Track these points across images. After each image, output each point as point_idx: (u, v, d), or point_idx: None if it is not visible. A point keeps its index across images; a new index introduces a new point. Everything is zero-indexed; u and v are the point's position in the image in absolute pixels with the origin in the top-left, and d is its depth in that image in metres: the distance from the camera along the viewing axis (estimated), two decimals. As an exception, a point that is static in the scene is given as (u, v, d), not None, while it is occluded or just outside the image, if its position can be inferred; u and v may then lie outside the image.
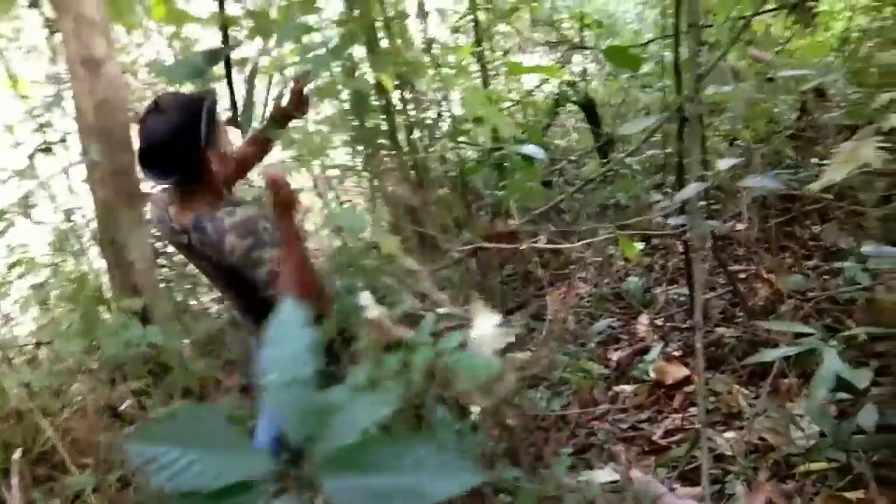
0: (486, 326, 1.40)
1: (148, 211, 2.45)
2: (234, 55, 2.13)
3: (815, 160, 2.95)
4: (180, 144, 1.50)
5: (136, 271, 2.74)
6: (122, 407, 2.32)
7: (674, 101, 2.34)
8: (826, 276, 2.73)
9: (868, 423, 1.34)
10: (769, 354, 1.38)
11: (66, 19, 2.71)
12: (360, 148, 3.88)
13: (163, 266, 3.40)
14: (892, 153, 0.87)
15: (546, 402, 2.27)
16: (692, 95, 1.63)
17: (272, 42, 1.96)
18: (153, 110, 1.51)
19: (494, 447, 1.60)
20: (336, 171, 4.58)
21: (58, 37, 3.30)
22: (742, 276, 2.99)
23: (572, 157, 4.41)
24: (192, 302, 3.53)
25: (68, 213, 3.33)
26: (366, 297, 1.23)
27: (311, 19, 2.17)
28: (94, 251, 3.41)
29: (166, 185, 1.62)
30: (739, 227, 3.29)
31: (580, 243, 1.72)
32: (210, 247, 1.53)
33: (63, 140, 3.15)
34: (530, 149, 2.54)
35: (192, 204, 1.56)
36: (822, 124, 2.83)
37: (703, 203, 2.48)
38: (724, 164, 1.64)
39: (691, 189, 1.55)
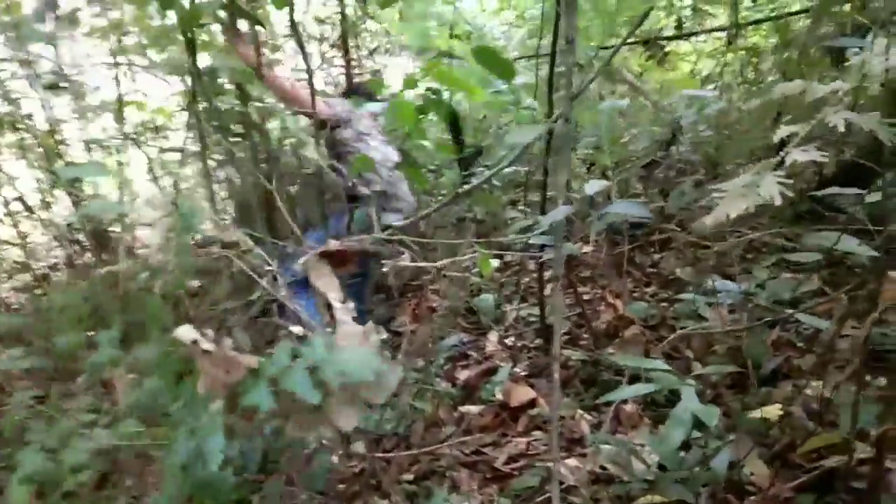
0: (351, 327, 1.22)
1: None
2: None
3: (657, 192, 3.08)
4: None
5: None
6: None
7: (544, 120, 2.29)
8: (664, 304, 2.84)
9: (721, 467, 1.32)
10: (628, 391, 1.32)
11: None
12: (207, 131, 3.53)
13: None
14: (790, 188, 0.83)
15: (393, 422, 2.11)
16: (566, 113, 1.55)
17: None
18: None
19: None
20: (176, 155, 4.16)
21: None
22: (586, 297, 3.04)
23: (432, 167, 4.32)
24: None
25: None
26: (186, 331, 0.99)
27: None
28: None
29: None
30: (586, 249, 3.36)
31: (447, 261, 1.59)
32: None
33: None
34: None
35: None
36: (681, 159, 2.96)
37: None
38: (590, 188, 1.58)
39: (560, 211, 1.47)
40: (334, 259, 1.67)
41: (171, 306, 1.38)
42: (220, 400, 1.05)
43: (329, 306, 1.27)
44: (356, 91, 3.30)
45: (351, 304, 1.25)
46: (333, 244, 1.38)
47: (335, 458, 1.62)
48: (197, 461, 1.09)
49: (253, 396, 0.97)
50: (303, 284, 1.42)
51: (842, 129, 1.04)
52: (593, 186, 1.55)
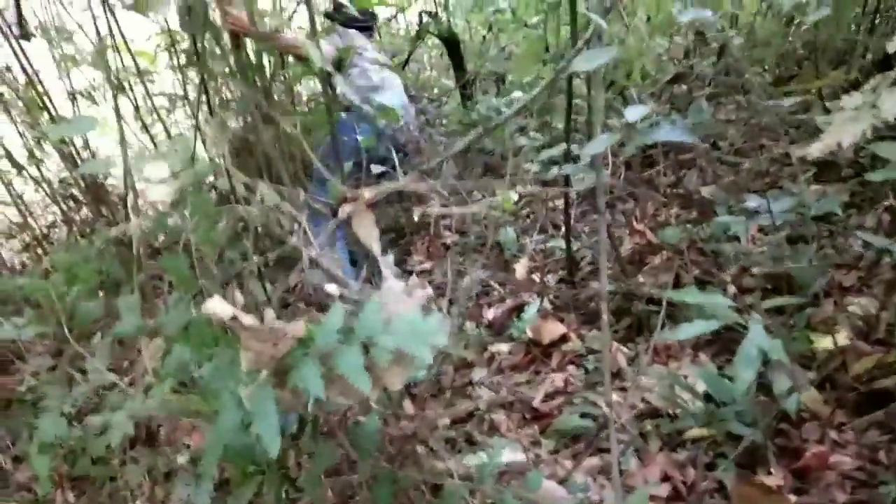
0: (395, 283, 1.13)
1: None
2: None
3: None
4: None
5: None
6: None
7: (565, 43, 2.13)
8: (689, 224, 2.74)
9: (779, 397, 1.26)
10: (692, 329, 1.25)
11: None
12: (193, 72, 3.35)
13: None
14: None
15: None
16: (600, 30, 1.41)
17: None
18: None
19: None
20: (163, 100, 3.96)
21: None
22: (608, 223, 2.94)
23: (432, 97, 4.14)
24: None
25: None
26: (220, 306, 0.89)
27: None
28: None
29: None
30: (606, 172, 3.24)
31: (476, 206, 1.49)
32: None
33: None
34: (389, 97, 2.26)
35: None
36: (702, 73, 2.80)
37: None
38: (631, 114, 1.46)
39: (602, 141, 1.36)
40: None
41: (194, 266, 1.28)
42: (265, 372, 0.97)
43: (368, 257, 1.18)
44: (338, 10, 3.17)
45: (391, 256, 1.15)
46: (367, 192, 1.27)
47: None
48: (243, 430, 1.03)
49: (302, 376, 0.88)
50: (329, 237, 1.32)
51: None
52: (633, 112, 1.42)
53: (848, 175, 2.67)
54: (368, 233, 1.25)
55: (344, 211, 1.21)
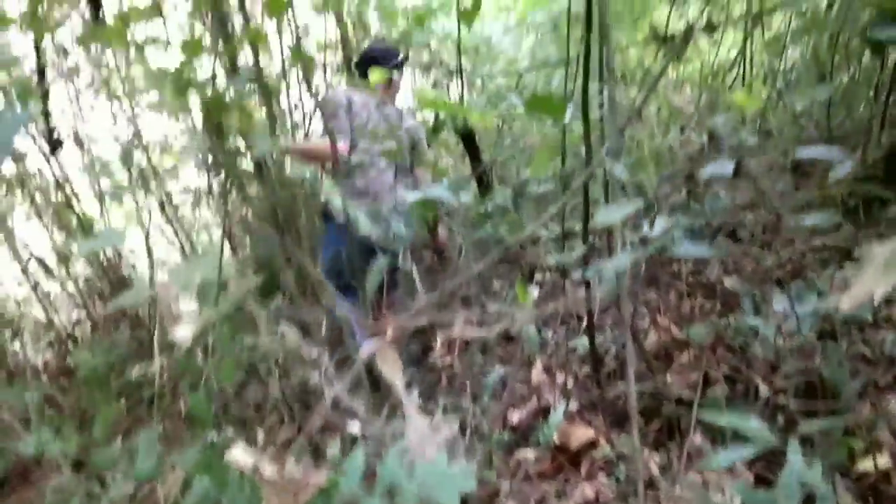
0: (419, 421, 1.10)
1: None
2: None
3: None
4: None
5: None
6: None
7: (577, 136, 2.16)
8: (713, 315, 2.69)
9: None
10: (728, 457, 1.20)
11: None
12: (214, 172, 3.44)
13: None
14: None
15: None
16: (617, 146, 1.43)
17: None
18: None
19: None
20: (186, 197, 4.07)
21: None
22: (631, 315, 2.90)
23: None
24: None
25: None
26: (242, 455, 0.88)
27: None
28: None
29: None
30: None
31: (500, 325, 1.47)
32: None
33: None
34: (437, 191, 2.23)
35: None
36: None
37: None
38: (651, 229, 1.47)
39: (622, 259, 1.35)
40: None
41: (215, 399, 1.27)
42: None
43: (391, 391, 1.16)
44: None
45: (415, 392, 1.13)
46: (392, 324, 1.26)
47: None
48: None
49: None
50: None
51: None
52: (655, 226, 1.43)
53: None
54: (392, 370, 1.23)
55: (365, 352, 1.20)
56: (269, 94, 1.97)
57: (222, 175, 2.45)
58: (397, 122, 3.06)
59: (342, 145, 2.69)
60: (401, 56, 3.17)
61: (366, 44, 4.74)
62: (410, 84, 5.04)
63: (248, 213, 3.44)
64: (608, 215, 1.00)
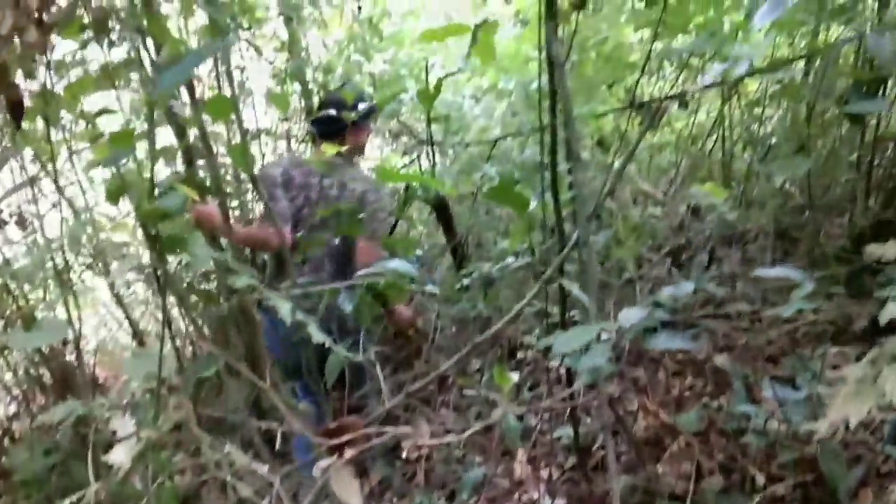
0: None
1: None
2: None
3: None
4: None
5: None
6: None
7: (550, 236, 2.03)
8: (706, 398, 2.52)
9: None
10: None
11: None
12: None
13: None
14: None
15: None
16: (584, 236, 1.30)
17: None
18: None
19: None
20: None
21: None
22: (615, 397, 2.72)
23: (422, 260, 4.03)
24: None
25: None
26: None
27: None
28: None
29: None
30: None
31: (478, 426, 1.30)
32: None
33: None
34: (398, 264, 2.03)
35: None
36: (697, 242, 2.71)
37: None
38: (625, 317, 1.32)
39: (600, 352, 1.20)
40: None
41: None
42: None
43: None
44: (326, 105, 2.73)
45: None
46: (350, 426, 1.07)
47: None
48: None
49: None
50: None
51: None
52: (629, 316, 1.28)
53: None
54: (348, 491, 1.03)
55: (319, 468, 1.00)
56: (220, 186, 1.83)
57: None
58: (340, 192, 2.70)
59: (285, 230, 2.48)
60: (368, 103, 2.75)
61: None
62: (379, 153, 4.95)
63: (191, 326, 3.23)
64: (567, 343, 0.89)
